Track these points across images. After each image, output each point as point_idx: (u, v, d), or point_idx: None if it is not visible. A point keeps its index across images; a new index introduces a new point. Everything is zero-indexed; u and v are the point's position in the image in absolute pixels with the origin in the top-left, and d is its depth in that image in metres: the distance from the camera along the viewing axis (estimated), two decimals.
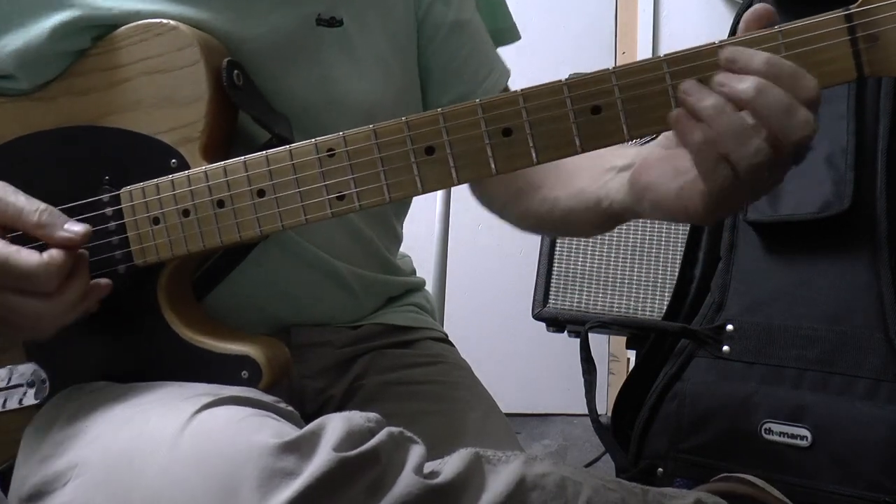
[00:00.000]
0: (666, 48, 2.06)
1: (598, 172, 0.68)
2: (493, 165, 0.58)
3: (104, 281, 0.62)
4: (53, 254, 0.57)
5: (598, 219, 0.69)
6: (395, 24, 0.79)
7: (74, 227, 0.59)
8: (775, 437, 1.00)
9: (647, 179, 0.59)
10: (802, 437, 0.99)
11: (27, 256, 0.57)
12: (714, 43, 0.54)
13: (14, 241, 0.58)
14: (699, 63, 0.54)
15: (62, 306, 0.59)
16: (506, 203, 0.85)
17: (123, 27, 0.65)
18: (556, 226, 0.78)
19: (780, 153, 0.51)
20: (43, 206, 0.60)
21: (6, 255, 0.56)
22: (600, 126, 0.56)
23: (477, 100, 0.57)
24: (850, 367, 0.99)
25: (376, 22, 0.77)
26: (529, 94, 0.57)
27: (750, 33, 0.53)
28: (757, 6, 0.54)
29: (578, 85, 0.56)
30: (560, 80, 0.56)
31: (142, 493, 0.51)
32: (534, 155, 0.57)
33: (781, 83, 0.51)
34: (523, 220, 0.84)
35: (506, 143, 0.57)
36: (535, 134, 0.57)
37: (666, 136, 0.59)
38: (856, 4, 0.52)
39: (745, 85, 0.51)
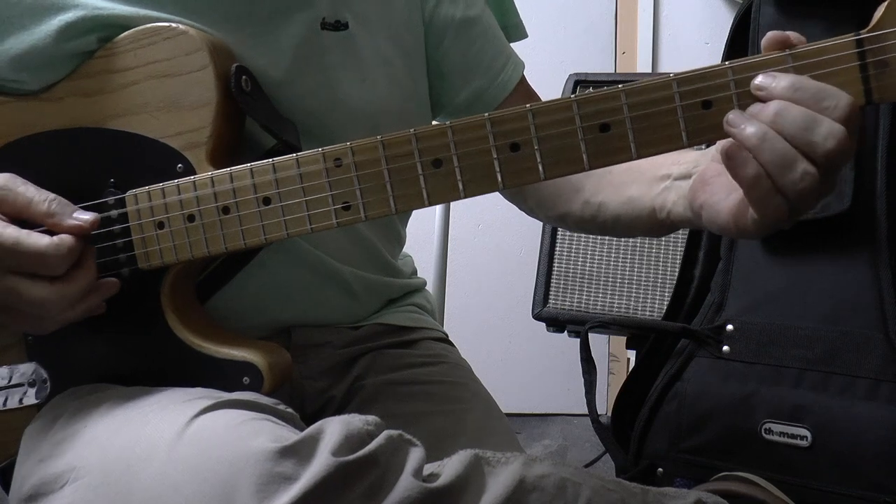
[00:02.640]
0: (666, 48, 2.06)
1: (650, 179, 0.68)
2: (500, 180, 0.58)
3: (111, 280, 0.63)
4: (63, 237, 0.59)
5: (651, 227, 0.70)
6: (399, 27, 0.79)
7: (83, 216, 0.61)
8: (775, 437, 1.00)
9: (703, 198, 0.60)
10: (802, 437, 0.99)
11: (38, 238, 0.58)
12: (724, 64, 0.54)
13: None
14: (709, 84, 0.54)
15: (68, 294, 0.60)
16: (539, 203, 0.85)
17: (132, 30, 0.64)
18: (600, 229, 0.78)
19: (821, 171, 0.51)
20: (52, 195, 0.61)
21: (17, 237, 0.58)
22: (609, 144, 0.56)
23: (485, 114, 0.57)
24: (850, 367, 0.99)
25: (380, 26, 0.77)
26: (538, 109, 0.56)
27: (760, 55, 0.54)
28: (773, 33, 0.54)
29: (588, 102, 0.56)
30: (570, 97, 0.56)
31: (139, 497, 0.51)
32: (541, 170, 0.57)
33: (803, 102, 0.51)
34: (560, 220, 0.84)
35: (513, 159, 0.57)
36: (543, 150, 0.57)
37: (721, 145, 0.59)
38: (866, 29, 0.52)
39: (768, 110, 0.52)
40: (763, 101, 0.53)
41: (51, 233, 0.60)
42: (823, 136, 0.50)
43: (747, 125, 0.52)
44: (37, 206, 0.60)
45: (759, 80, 0.53)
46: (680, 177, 0.65)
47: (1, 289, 0.59)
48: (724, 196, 0.57)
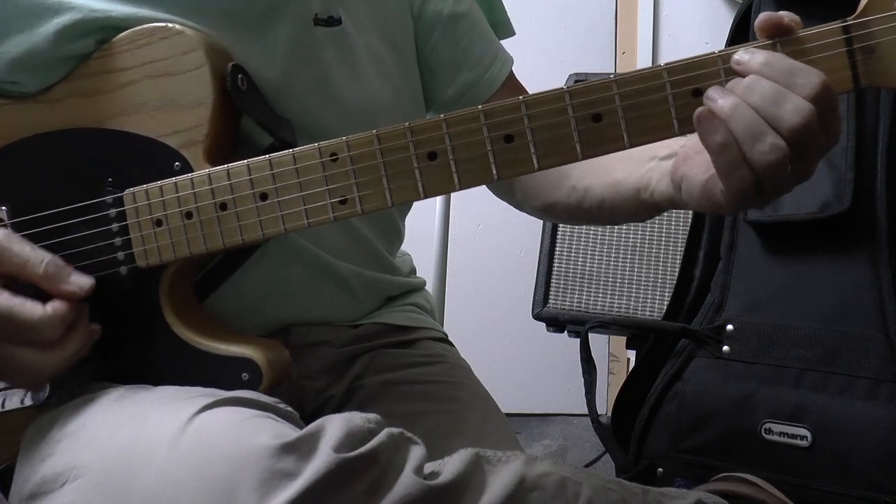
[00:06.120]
0: (666, 48, 2.06)
1: (636, 162, 0.69)
2: (494, 171, 0.58)
3: (95, 328, 0.63)
4: (57, 306, 0.59)
5: (635, 208, 0.70)
6: (389, 23, 0.80)
7: (79, 280, 0.61)
8: (775, 437, 1.00)
9: (683, 170, 0.61)
10: (802, 437, 0.99)
11: (31, 308, 0.58)
12: (714, 53, 0.55)
13: (17, 289, 0.59)
14: (699, 72, 0.55)
15: (62, 359, 0.60)
16: (527, 194, 0.85)
17: (129, 31, 0.65)
18: (586, 216, 0.78)
19: (791, 148, 0.52)
20: (48, 257, 0.60)
21: (10, 307, 0.57)
22: (601, 133, 0.57)
23: (479, 106, 0.58)
24: (850, 367, 0.99)
25: (370, 21, 0.78)
26: (531, 101, 0.57)
27: (750, 43, 0.55)
28: (766, 14, 0.54)
29: (580, 93, 0.56)
30: (562, 88, 0.57)
31: (140, 494, 0.51)
32: (535, 161, 0.58)
33: (775, 77, 0.52)
34: (547, 211, 0.84)
35: (508, 150, 0.58)
36: (537, 141, 0.57)
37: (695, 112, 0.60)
38: (853, 17, 0.53)
39: (741, 83, 0.53)
40: (741, 75, 0.54)
41: (46, 296, 0.59)
42: (790, 110, 0.51)
43: (721, 97, 0.53)
44: (32, 269, 0.59)
45: (738, 55, 0.54)
46: (666, 157, 0.66)
47: None
48: (703, 170, 0.58)
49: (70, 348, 0.60)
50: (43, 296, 0.59)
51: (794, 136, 0.51)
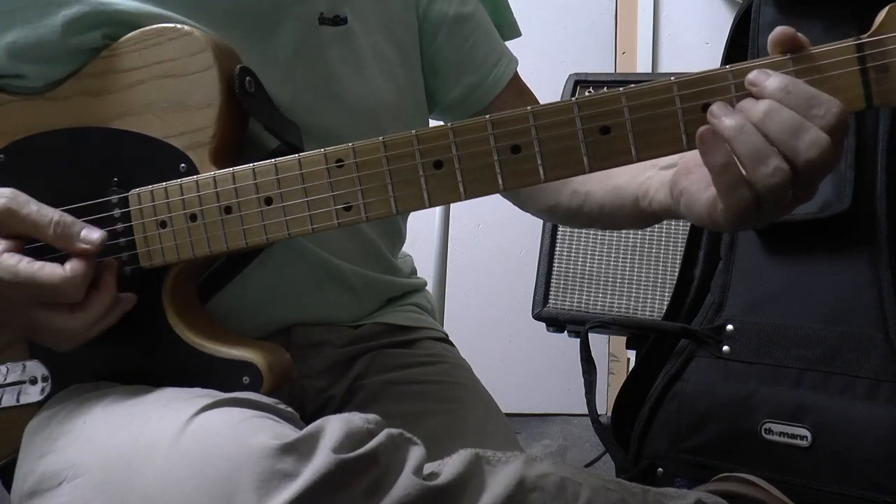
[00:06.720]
0: (666, 48, 2.06)
1: (638, 170, 0.69)
2: (500, 181, 0.58)
3: (129, 295, 0.63)
4: (75, 266, 0.59)
5: (634, 215, 0.70)
6: (394, 23, 0.80)
7: (91, 236, 0.60)
8: (775, 437, 1.00)
9: (683, 184, 0.60)
10: (802, 437, 0.99)
11: (51, 272, 0.58)
12: (725, 68, 0.54)
13: (35, 249, 0.60)
14: (709, 87, 0.54)
15: (87, 321, 0.60)
16: (531, 195, 0.85)
17: (138, 31, 0.65)
18: (586, 219, 0.79)
19: (798, 173, 0.52)
20: (56, 216, 0.60)
21: (30, 273, 0.58)
22: (609, 146, 0.56)
23: (486, 116, 0.57)
24: (850, 367, 0.99)
25: (376, 22, 0.78)
26: (539, 111, 0.57)
27: (762, 59, 0.54)
28: (782, 28, 0.54)
29: (588, 104, 0.56)
30: (570, 99, 0.56)
31: (139, 494, 0.51)
32: (542, 173, 0.57)
33: (794, 106, 0.51)
34: (550, 213, 0.84)
35: (514, 160, 0.57)
36: (544, 152, 0.57)
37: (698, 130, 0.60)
38: (867, 35, 0.52)
39: (757, 108, 0.52)
40: (755, 96, 0.53)
41: (65, 256, 0.60)
42: (808, 144, 0.51)
43: (726, 117, 0.53)
44: (42, 231, 0.60)
45: (753, 75, 0.53)
46: (667, 166, 0.66)
47: (24, 320, 0.59)
48: (704, 185, 0.58)
49: (94, 310, 0.60)
50: (65, 257, 0.60)
51: (809, 168, 0.51)
